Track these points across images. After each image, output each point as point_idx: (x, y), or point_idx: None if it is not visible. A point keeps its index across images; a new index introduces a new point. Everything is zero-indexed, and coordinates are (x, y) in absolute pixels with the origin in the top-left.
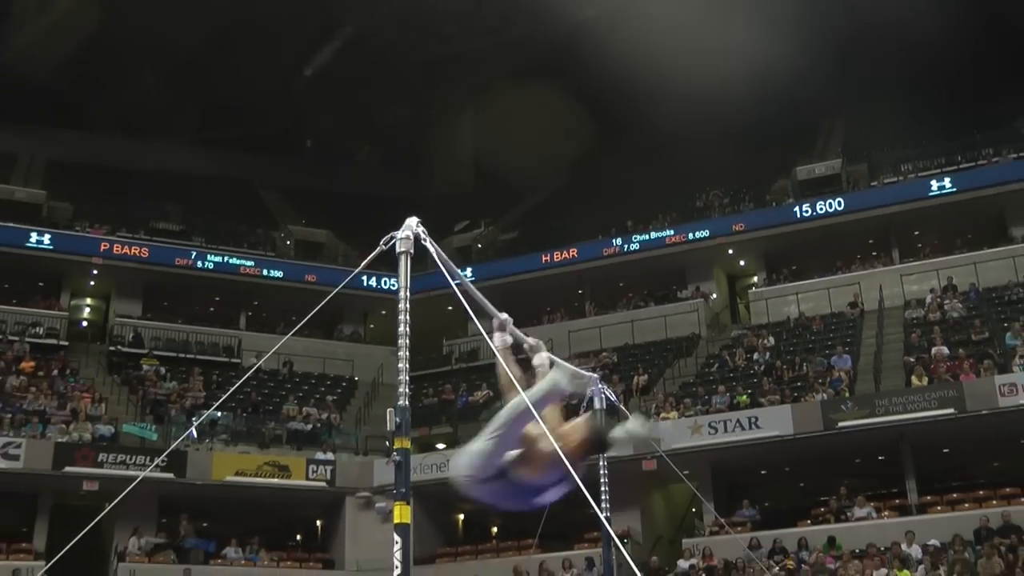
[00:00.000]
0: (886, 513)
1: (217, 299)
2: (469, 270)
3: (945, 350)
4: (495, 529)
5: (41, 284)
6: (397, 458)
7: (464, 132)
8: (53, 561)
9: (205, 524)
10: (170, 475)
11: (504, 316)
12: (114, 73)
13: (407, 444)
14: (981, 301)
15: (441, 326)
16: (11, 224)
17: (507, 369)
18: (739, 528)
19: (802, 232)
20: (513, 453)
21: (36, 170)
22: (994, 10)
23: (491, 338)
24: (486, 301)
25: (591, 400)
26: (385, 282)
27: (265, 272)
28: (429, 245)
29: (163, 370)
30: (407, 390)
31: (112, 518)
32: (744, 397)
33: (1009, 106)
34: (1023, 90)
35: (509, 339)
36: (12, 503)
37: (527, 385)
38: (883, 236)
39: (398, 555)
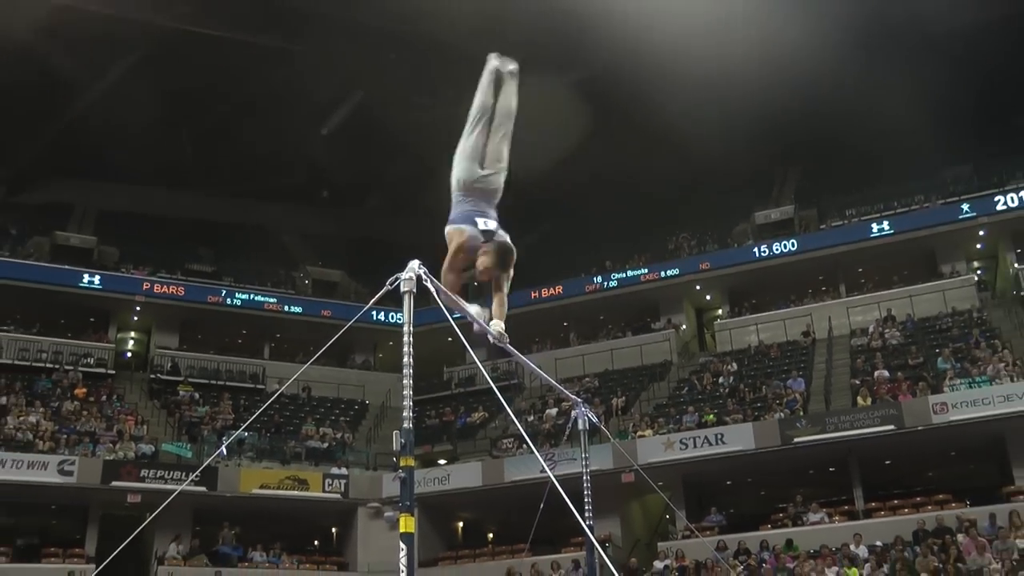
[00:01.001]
0: (836, 518)
1: (244, 332)
2: (465, 304)
3: (886, 373)
4: (491, 535)
5: (91, 319)
6: (402, 475)
7: None
8: (103, 565)
9: (234, 531)
10: (203, 488)
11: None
12: (156, 133)
13: (411, 462)
14: (916, 330)
15: (442, 355)
16: (67, 266)
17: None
18: (708, 532)
19: (760, 270)
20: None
21: (88, 218)
22: (923, 76)
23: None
24: (471, 314)
25: (575, 420)
26: (392, 316)
27: (286, 308)
28: (429, 284)
29: (197, 395)
30: (411, 413)
31: (153, 526)
32: (711, 416)
33: (936, 158)
34: (947, 145)
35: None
36: (67, 513)
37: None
38: (831, 273)
39: (403, 559)
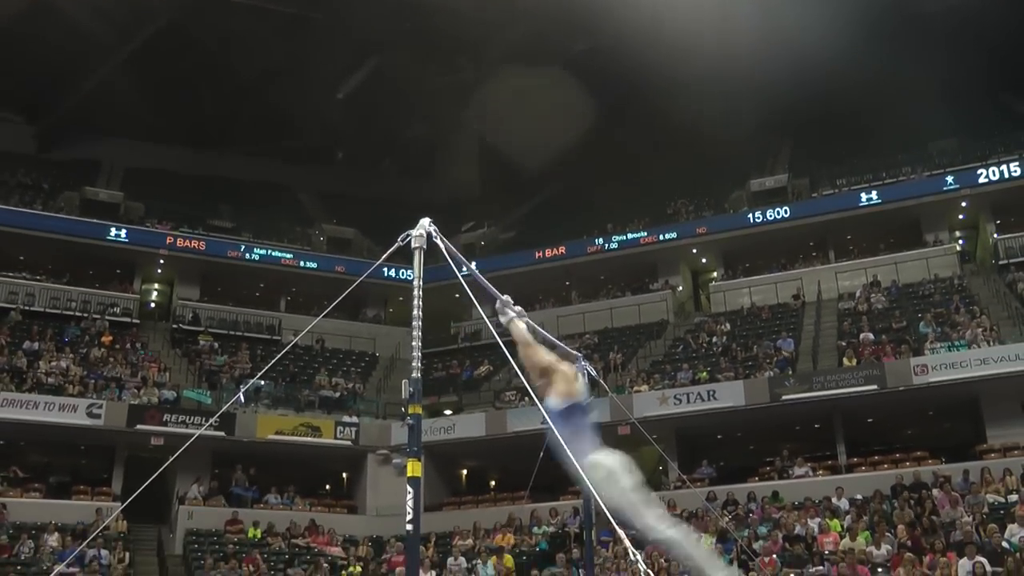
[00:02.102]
0: (820, 472)
1: (261, 285)
2: (474, 264)
3: (871, 336)
4: (493, 483)
5: (118, 271)
6: (410, 422)
7: (471, 146)
8: (127, 502)
9: (251, 473)
10: (222, 433)
11: (504, 297)
12: (181, 95)
13: (419, 410)
14: (900, 295)
15: (449, 311)
16: (95, 220)
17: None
18: (699, 483)
19: (754, 235)
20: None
21: (116, 175)
22: (913, 53)
23: (502, 317)
24: (489, 285)
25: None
26: (402, 273)
27: (302, 263)
28: (439, 241)
29: (216, 345)
30: (419, 364)
31: (174, 468)
32: (704, 373)
33: (922, 133)
34: (932, 120)
35: (512, 314)
36: (95, 454)
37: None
38: (821, 239)
39: (410, 503)
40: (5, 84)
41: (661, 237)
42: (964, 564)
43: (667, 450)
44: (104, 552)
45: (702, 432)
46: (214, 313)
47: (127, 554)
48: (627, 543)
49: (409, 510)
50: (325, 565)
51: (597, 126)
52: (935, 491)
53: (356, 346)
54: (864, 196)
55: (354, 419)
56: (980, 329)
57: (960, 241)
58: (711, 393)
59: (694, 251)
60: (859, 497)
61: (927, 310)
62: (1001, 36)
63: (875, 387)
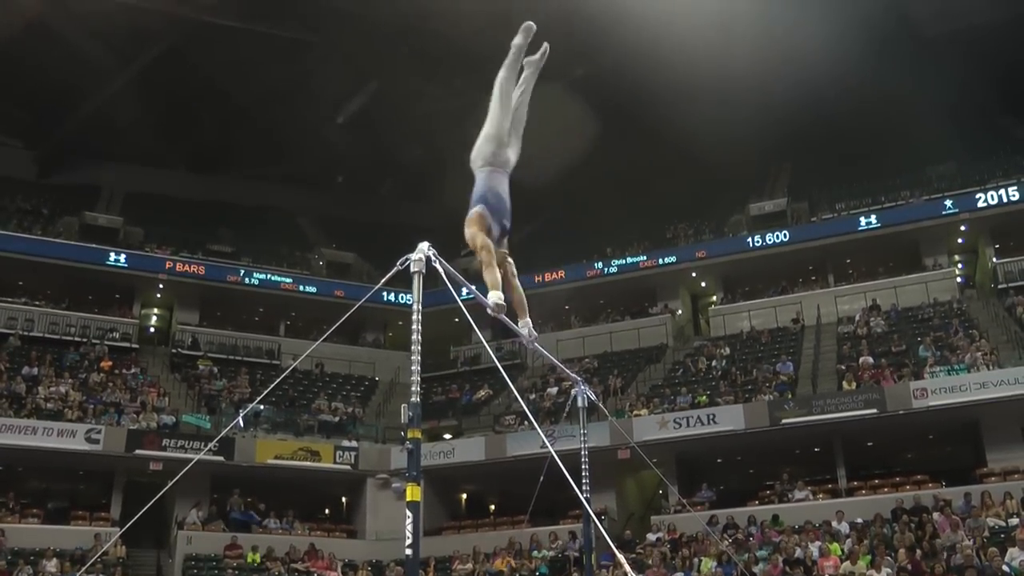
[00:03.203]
0: (820, 495)
1: (261, 310)
2: (474, 287)
3: (870, 360)
4: (493, 507)
5: (117, 296)
6: (410, 446)
7: (470, 170)
8: (126, 527)
9: (250, 499)
10: (221, 458)
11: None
12: (181, 119)
13: (418, 434)
14: (900, 319)
15: (449, 335)
16: (94, 245)
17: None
18: (698, 507)
19: (753, 259)
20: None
21: (115, 200)
22: (911, 78)
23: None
24: (482, 296)
25: (575, 399)
26: (402, 297)
27: (301, 288)
28: (438, 266)
29: (216, 370)
30: (419, 389)
31: (173, 493)
32: (704, 397)
33: (921, 157)
34: (931, 144)
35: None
36: (94, 479)
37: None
38: (820, 263)
39: (409, 527)
40: (5, 109)
41: (660, 261)
42: None
43: (667, 474)
44: None
45: (702, 456)
46: (213, 338)
47: None
48: (627, 567)
49: (408, 534)
50: None
51: (596, 150)
52: (935, 515)
53: (355, 370)
54: (863, 220)
55: (353, 443)
56: (979, 353)
57: (959, 265)
58: (711, 417)
59: (693, 275)
60: (859, 521)
61: (926, 334)
62: (1001, 61)
63: (875, 411)
